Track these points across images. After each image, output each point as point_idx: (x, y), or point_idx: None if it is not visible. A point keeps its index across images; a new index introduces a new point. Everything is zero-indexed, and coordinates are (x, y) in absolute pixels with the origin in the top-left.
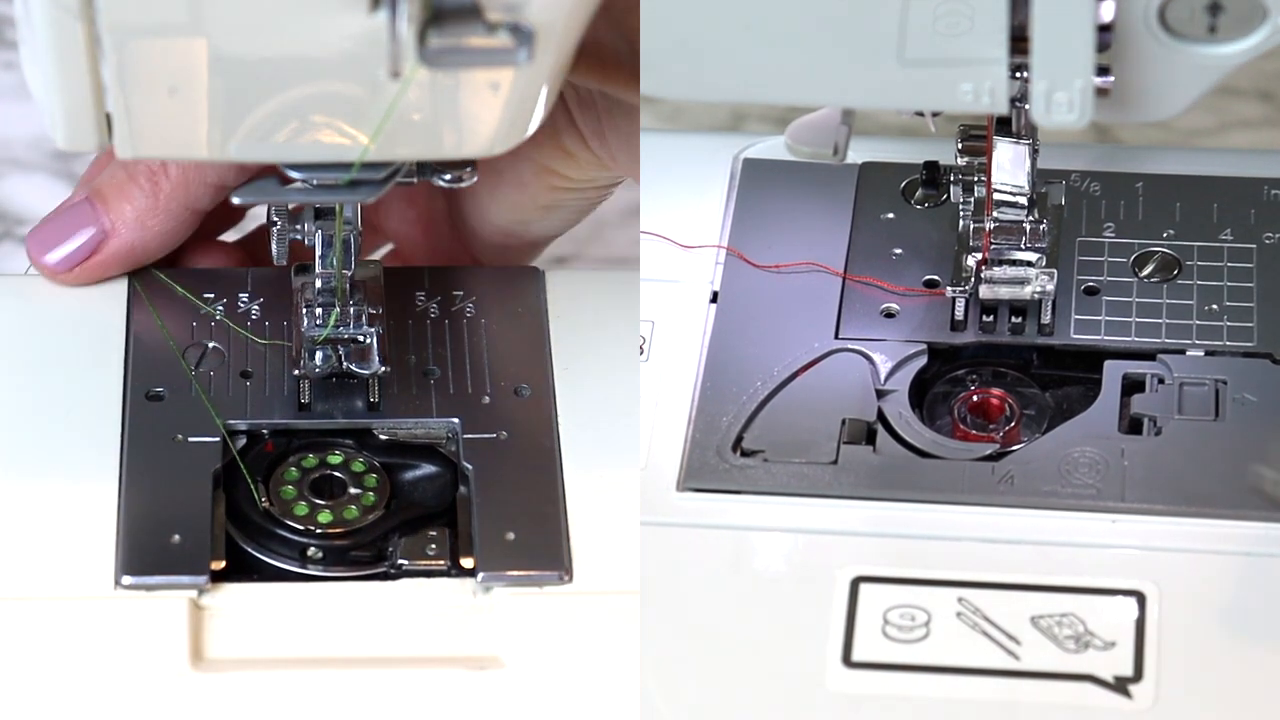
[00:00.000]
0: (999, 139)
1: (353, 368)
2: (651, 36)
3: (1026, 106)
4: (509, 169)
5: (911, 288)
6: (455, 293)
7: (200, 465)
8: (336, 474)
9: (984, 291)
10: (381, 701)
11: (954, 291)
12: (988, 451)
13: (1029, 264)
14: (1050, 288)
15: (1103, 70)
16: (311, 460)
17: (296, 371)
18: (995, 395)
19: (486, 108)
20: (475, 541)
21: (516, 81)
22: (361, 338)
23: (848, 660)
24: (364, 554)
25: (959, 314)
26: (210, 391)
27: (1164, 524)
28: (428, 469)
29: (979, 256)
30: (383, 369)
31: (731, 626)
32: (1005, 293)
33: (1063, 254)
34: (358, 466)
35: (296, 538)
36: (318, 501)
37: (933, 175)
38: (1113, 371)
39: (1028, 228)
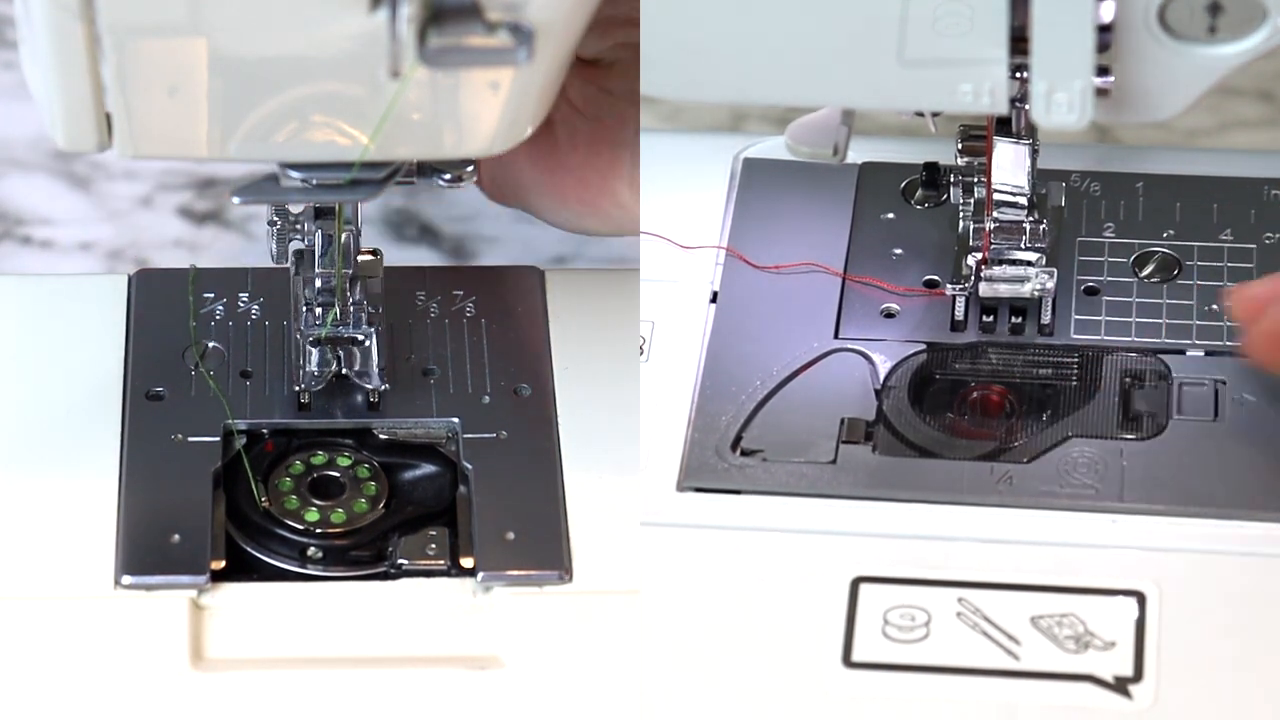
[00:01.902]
0: (999, 139)
1: (352, 377)
2: (651, 36)
3: (1026, 107)
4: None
5: (911, 288)
6: (455, 292)
7: (200, 465)
8: (336, 474)
9: (984, 289)
10: (381, 701)
11: (954, 290)
12: (989, 449)
13: (1029, 264)
14: (1050, 285)
15: (1103, 70)
16: (315, 459)
17: (298, 388)
18: (996, 391)
19: (486, 107)
20: (475, 541)
21: (516, 81)
22: (360, 337)
23: (848, 660)
24: (364, 554)
25: (959, 314)
26: (210, 392)
27: (1164, 524)
28: (428, 469)
29: (979, 256)
30: (384, 386)
31: (731, 626)
32: (1005, 290)
33: (1063, 254)
34: (360, 470)
35: (296, 537)
36: (317, 501)
37: (933, 176)
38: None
39: (1028, 228)
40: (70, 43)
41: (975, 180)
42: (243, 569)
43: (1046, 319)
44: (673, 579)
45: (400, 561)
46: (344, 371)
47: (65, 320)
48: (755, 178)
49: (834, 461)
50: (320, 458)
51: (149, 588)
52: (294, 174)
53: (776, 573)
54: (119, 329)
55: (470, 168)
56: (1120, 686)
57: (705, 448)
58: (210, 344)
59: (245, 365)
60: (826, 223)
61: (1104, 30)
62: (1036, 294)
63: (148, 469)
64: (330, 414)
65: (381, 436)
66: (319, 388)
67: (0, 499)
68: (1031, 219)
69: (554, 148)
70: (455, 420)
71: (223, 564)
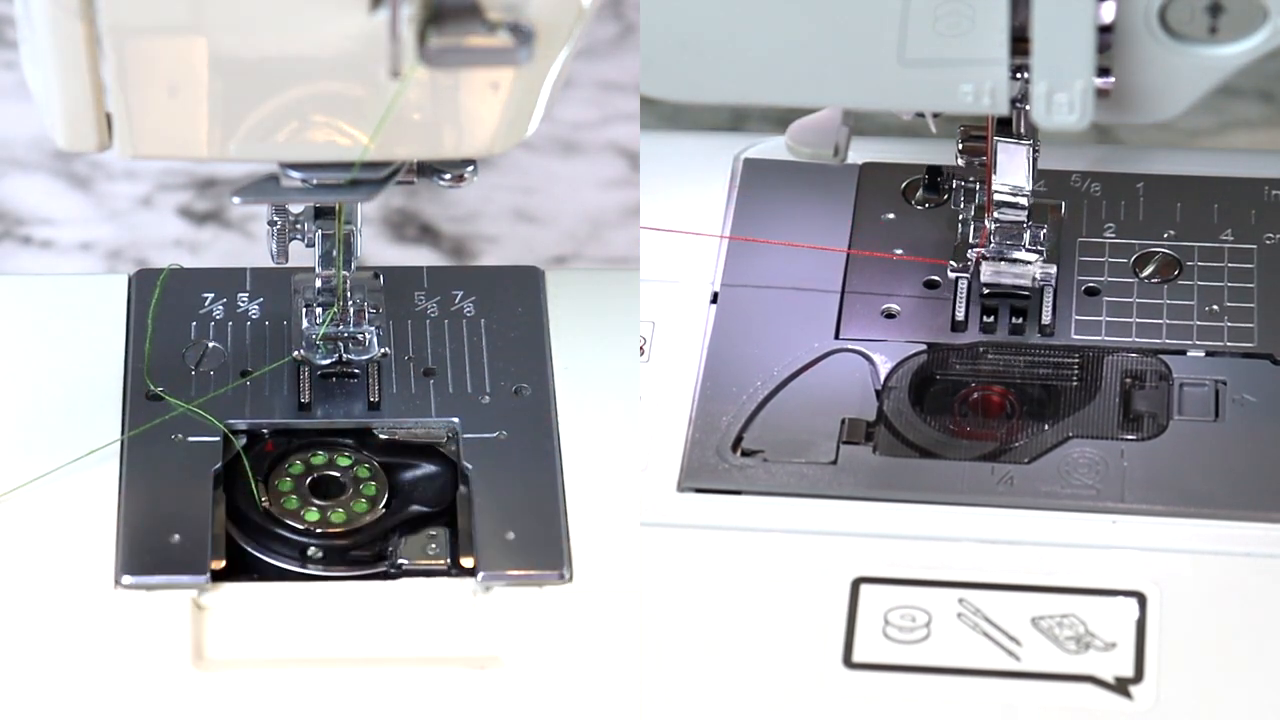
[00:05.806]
0: (999, 140)
1: (351, 357)
2: (651, 36)
3: (1027, 107)
4: None
5: (912, 288)
6: (455, 292)
7: (200, 465)
8: (336, 474)
9: (985, 275)
10: (381, 701)
11: (955, 270)
12: (989, 449)
13: (1028, 264)
14: (1052, 273)
15: (1103, 71)
16: (315, 460)
17: (297, 354)
18: (996, 392)
19: (486, 108)
20: (475, 541)
21: (516, 81)
22: (360, 336)
23: (848, 661)
24: (364, 554)
25: (959, 313)
26: (210, 390)
27: (1164, 525)
28: (427, 468)
29: (979, 250)
30: (382, 352)
31: (731, 626)
32: (1007, 277)
33: (1063, 254)
34: (360, 470)
35: (296, 537)
36: (317, 501)
37: (934, 180)
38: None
39: (1028, 230)
40: (70, 43)
41: (976, 186)
42: (243, 569)
43: (1047, 319)
44: (673, 579)
45: (400, 561)
46: (345, 357)
47: (65, 320)
48: (755, 178)
49: (834, 462)
50: (320, 458)
51: (149, 588)
52: (294, 174)
53: (777, 573)
54: (119, 329)
55: (470, 167)
56: (1121, 687)
57: (706, 448)
58: (210, 344)
59: (245, 365)
60: (826, 223)
61: (1104, 30)
62: (1038, 283)
63: (148, 469)
64: (330, 414)
65: (381, 436)
66: (323, 360)
67: (1, 499)
68: (1032, 223)
69: None
70: (455, 420)
71: (223, 564)
